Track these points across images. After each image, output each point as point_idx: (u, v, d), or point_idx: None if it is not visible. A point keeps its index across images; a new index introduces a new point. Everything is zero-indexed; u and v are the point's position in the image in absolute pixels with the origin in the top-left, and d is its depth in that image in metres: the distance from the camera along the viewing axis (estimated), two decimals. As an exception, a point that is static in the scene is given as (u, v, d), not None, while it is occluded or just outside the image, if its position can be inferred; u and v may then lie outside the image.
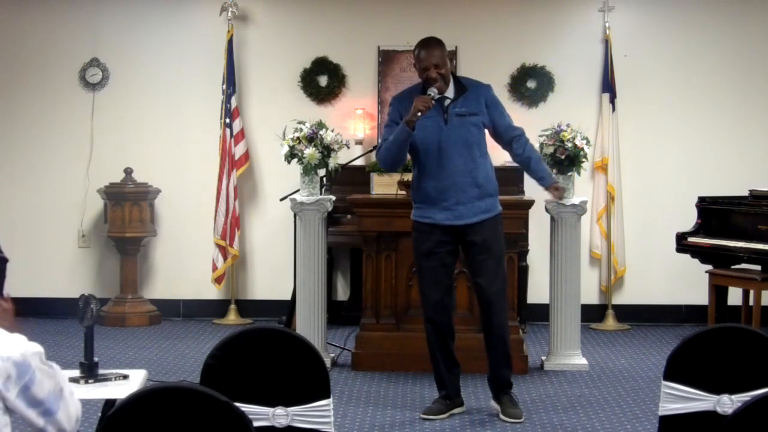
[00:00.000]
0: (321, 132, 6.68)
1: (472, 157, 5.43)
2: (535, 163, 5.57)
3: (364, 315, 6.70)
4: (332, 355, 6.81)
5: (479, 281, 5.51)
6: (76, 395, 2.64)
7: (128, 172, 8.12)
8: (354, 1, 8.36)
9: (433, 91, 5.34)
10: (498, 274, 5.51)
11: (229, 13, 8.18)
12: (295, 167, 6.82)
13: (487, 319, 5.55)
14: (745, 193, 7.24)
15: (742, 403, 2.84)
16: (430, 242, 5.47)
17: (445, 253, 5.50)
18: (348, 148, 7.78)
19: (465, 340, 6.10)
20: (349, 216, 7.58)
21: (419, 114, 5.25)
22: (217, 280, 8.18)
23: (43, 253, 8.38)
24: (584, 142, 6.71)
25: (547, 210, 6.74)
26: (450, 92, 5.45)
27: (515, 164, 5.88)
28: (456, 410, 5.63)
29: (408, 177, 7.25)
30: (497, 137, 5.60)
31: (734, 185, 7.76)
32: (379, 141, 5.52)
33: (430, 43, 5.46)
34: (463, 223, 5.43)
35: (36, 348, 2.52)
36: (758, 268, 7.00)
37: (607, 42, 8.12)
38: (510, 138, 5.55)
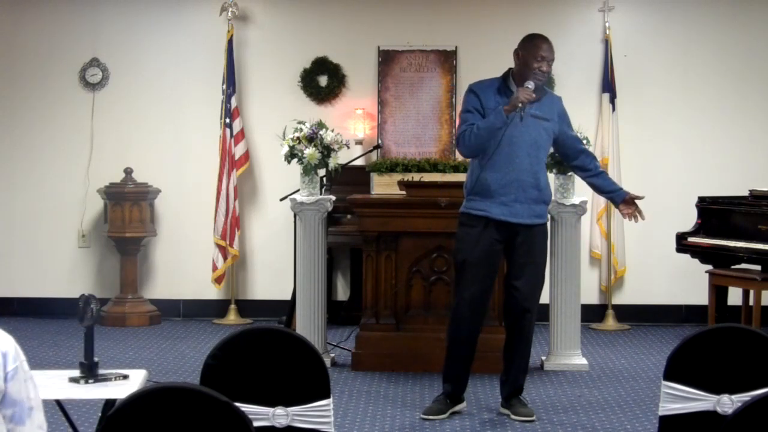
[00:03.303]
0: (321, 132, 6.68)
1: (539, 159, 5.43)
2: (605, 178, 5.64)
3: (364, 315, 6.69)
4: (332, 355, 6.81)
5: (516, 284, 5.47)
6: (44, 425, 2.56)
7: (128, 172, 8.12)
8: (354, 1, 8.36)
9: (531, 85, 5.34)
10: (536, 282, 5.50)
11: (229, 13, 8.18)
12: (295, 167, 6.82)
13: (517, 324, 5.53)
14: (745, 193, 7.24)
15: (742, 403, 2.84)
16: (484, 242, 5.39)
17: (495, 253, 5.46)
18: (348, 148, 7.78)
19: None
20: (349, 216, 7.58)
21: (520, 105, 5.26)
22: (217, 280, 8.18)
23: (43, 253, 8.38)
24: (584, 142, 6.71)
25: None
26: None
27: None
28: (456, 407, 5.61)
29: (408, 177, 7.29)
30: (563, 148, 5.63)
31: (734, 185, 7.76)
32: (462, 127, 5.41)
33: (548, 40, 5.49)
34: (516, 222, 5.39)
35: (23, 355, 2.52)
36: (758, 268, 7.00)
37: (607, 42, 8.12)
38: (578, 151, 5.59)
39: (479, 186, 5.42)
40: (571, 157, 5.65)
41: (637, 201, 5.58)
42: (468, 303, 5.46)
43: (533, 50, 5.41)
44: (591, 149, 6.98)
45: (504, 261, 5.62)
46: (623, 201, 5.60)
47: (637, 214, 5.59)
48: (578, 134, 5.91)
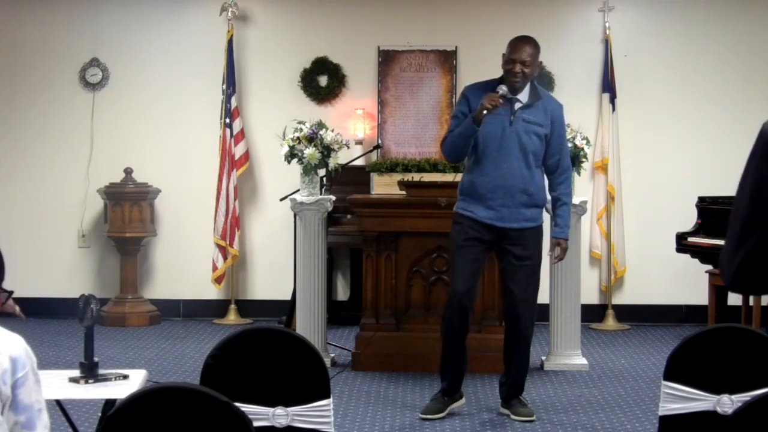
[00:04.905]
0: (321, 132, 6.68)
1: (528, 164, 5.40)
2: (562, 208, 5.52)
3: (364, 315, 6.69)
4: (332, 355, 6.81)
5: (511, 287, 5.48)
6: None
7: (128, 172, 8.12)
8: (354, 1, 8.37)
9: (502, 89, 5.31)
10: (531, 283, 5.49)
11: (229, 13, 8.18)
12: (295, 167, 6.82)
13: (514, 327, 5.54)
14: (745, 193, 7.22)
15: (742, 403, 2.84)
16: (467, 235, 5.42)
17: (478, 249, 5.45)
18: (348, 148, 7.78)
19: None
20: (349, 216, 7.59)
21: (485, 112, 5.23)
22: (217, 280, 8.18)
23: (43, 253, 8.38)
24: (584, 142, 6.71)
25: (546, 210, 6.72)
26: (524, 96, 5.41)
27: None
28: (455, 405, 5.62)
29: (408, 177, 7.29)
30: (544, 156, 5.50)
31: (734, 185, 7.68)
32: (446, 134, 5.49)
33: (527, 40, 5.42)
34: (503, 226, 5.40)
35: (33, 357, 2.50)
36: (758, 268, 6.99)
37: (607, 42, 8.12)
38: (555, 166, 5.49)
39: (469, 188, 5.46)
40: (547, 168, 5.52)
41: (559, 248, 5.55)
42: (454, 300, 5.48)
43: (506, 52, 5.43)
44: (591, 149, 7.02)
45: (497, 262, 5.63)
46: (559, 239, 5.55)
47: (557, 258, 5.61)
48: (567, 152, 5.68)
